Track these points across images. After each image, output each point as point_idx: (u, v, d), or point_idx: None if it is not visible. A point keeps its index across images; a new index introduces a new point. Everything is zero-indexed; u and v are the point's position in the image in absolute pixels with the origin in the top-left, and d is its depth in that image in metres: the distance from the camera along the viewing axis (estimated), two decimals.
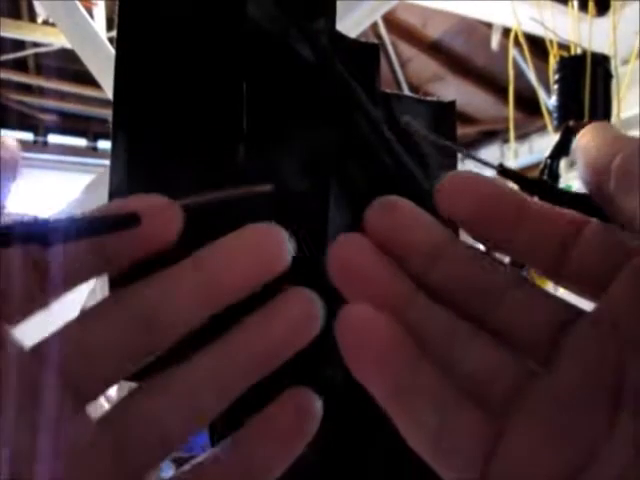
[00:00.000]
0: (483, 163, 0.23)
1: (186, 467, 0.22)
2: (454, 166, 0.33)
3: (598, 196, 0.20)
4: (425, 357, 0.21)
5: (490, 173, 0.22)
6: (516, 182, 0.21)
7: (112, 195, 0.27)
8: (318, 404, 0.22)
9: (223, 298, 0.21)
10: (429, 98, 0.34)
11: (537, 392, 0.20)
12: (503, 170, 0.21)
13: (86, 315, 0.21)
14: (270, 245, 0.22)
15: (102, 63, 0.75)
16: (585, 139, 0.21)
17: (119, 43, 0.27)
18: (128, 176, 0.27)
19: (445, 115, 0.34)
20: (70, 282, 0.21)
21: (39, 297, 0.20)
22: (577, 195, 0.23)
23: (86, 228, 0.19)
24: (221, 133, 0.27)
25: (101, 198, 0.28)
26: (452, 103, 0.34)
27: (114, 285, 0.25)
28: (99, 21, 1.79)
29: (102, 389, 0.20)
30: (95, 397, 0.20)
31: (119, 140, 0.27)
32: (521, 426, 0.20)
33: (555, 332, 0.20)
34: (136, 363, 0.21)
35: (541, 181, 0.21)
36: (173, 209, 0.21)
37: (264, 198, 0.23)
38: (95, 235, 0.19)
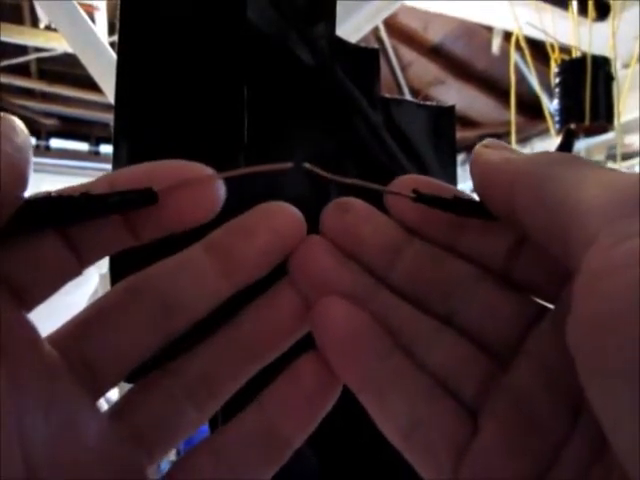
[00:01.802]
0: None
1: (213, 434, 0.21)
2: (453, 170, 0.34)
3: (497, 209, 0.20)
4: (397, 347, 0.21)
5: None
6: (434, 206, 0.21)
7: None
8: None
9: (242, 277, 0.21)
10: (428, 103, 0.34)
11: (500, 393, 0.20)
12: (419, 197, 0.21)
13: (102, 306, 0.20)
14: (284, 220, 0.21)
15: (104, 68, 0.76)
16: (483, 156, 0.20)
17: (120, 48, 0.27)
18: None
19: (444, 119, 0.34)
20: (100, 254, 0.20)
21: (71, 267, 0.19)
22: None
23: (101, 207, 0.19)
24: (223, 135, 0.27)
25: None
26: (451, 108, 0.34)
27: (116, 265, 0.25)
28: (101, 26, 1.80)
29: (118, 380, 0.20)
30: (110, 388, 0.20)
31: (121, 144, 0.27)
32: (488, 427, 0.19)
33: (521, 331, 0.20)
34: (155, 349, 0.20)
35: (457, 199, 0.21)
36: (214, 182, 0.20)
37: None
38: (110, 213, 0.19)
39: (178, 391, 0.21)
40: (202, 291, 0.21)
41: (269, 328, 0.22)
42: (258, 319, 0.22)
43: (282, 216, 0.22)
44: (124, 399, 0.21)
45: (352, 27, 0.69)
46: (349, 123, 0.30)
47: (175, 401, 0.21)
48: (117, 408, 0.20)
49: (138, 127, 0.27)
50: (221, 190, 0.20)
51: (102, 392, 0.20)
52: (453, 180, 0.33)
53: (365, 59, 0.31)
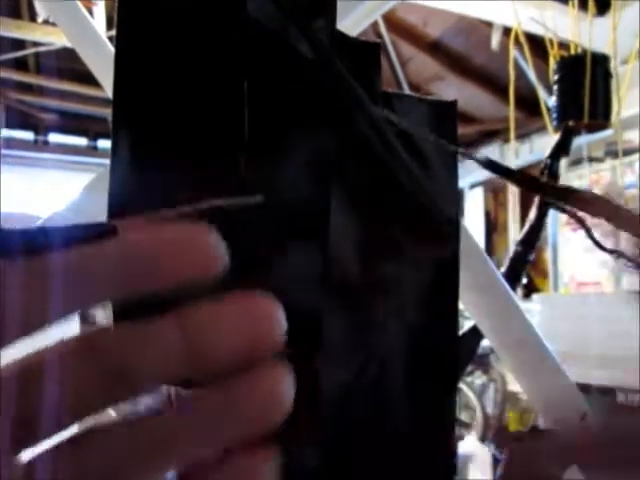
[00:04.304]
0: (479, 162, 0.23)
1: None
2: (455, 166, 0.33)
3: None
4: None
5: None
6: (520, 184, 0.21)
7: (112, 194, 0.27)
8: (290, 379, 0.21)
9: (206, 365, 0.20)
10: (430, 98, 0.34)
11: None
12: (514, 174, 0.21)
13: (50, 358, 0.19)
14: (261, 316, 0.21)
15: (102, 62, 0.75)
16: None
17: (119, 42, 0.27)
18: (128, 176, 0.27)
19: (446, 115, 0.34)
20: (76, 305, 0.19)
21: (40, 316, 0.18)
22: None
23: (58, 238, 0.18)
24: (222, 133, 0.27)
25: (101, 197, 0.28)
26: (453, 103, 0.34)
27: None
28: (99, 20, 1.79)
29: (52, 434, 0.19)
30: (41, 440, 0.19)
31: (119, 140, 0.27)
32: None
33: None
34: (101, 410, 0.19)
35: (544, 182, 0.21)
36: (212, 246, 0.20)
37: (263, 206, 0.22)
38: (68, 245, 0.18)
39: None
40: (162, 370, 0.20)
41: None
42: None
43: (260, 309, 0.21)
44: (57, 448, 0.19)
45: (351, 22, 0.68)
46: (350, 118, 0.30)
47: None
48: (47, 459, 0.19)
49: (136, 122, 0.27)
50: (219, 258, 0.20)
51: (33, 444, 0.19)
52: (454, 176, 0.33)
53: (366, 53, 0.31)
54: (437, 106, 0.33)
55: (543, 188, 0.21)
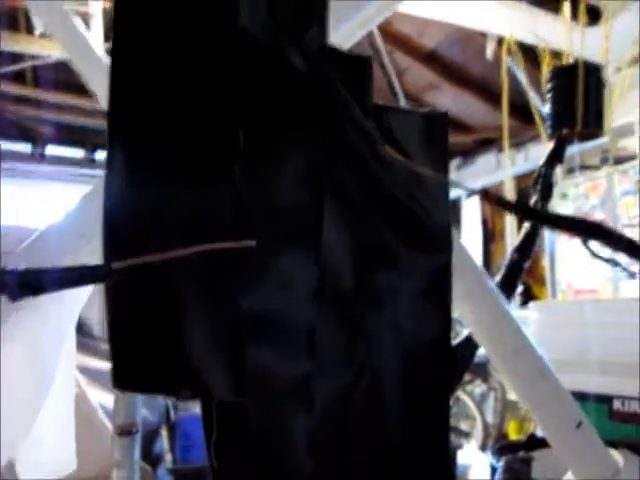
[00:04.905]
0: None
1: None
2: (445, 175, 0.34)
3: None
4: None
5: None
6: (503, 207, 0.21)
7: (107, 205, 0.27)
8: None
9: None
10: (421, 109, 0.34)
11: None
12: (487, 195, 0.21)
13: None
14: None
15: (99, 75, 0.76)
16: None
17: (113, 54, 0.27)
18: (122, 187, 0.27)
19: (437, 125, 0.34)
20: None
21: None
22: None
23: (57, 279, 0.19)
24: (217, 143, 0.27)
25: (97, 208, 0.28)
26: (444, 114, 0.34)
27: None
28: (96, 34, 1.80)
29: None
30: None
31: (114, 151, 0.27)
32: None
33: None
34: None
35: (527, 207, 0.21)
36: None
37: (258, 213, 0.23)
38: (66, 287, 0.19)
39: None
40: None
41: None
42: None
43: None
44: None
45: (346, 33, 0.69)
46: (342, 129, 0.30)
47: None
48: None
49: (131, 134, 0.27)
50: None
51: None
52: (445, 186, 0.34)
53: (358, 66, 0.31)
54: (428, 118, 0.34)
55: (507, 207, 0.21)
